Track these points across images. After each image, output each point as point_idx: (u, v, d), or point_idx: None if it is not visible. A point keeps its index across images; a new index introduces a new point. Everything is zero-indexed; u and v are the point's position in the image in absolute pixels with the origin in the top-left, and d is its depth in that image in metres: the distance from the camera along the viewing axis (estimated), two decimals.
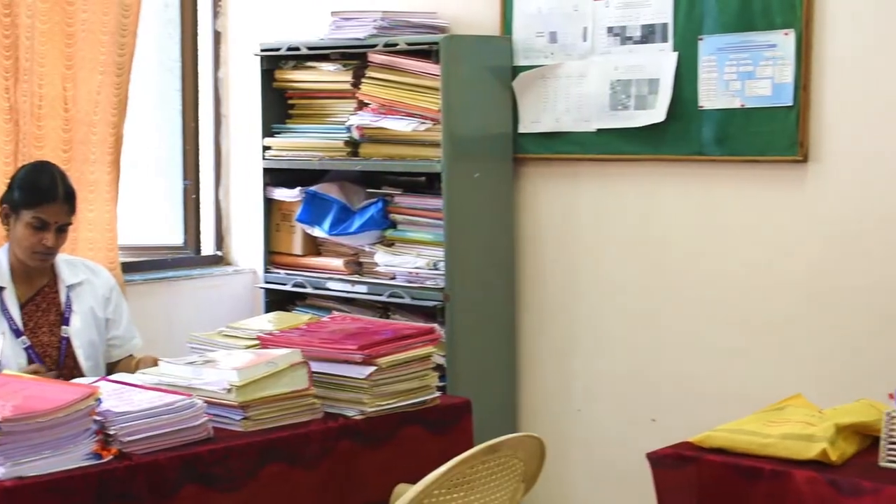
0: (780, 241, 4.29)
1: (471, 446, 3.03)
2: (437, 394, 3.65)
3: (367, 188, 5.03)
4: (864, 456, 3.02)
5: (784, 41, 4.19)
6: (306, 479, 3.29)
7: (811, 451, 2.95)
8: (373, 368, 3.41)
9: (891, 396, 3.00)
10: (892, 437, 2.95)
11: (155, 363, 3.69)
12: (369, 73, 4.83)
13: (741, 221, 4.38)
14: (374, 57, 4.81)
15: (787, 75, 4.19)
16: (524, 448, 3.10)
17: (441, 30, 4.91)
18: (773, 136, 4.24)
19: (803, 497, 2.89)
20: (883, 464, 2.95)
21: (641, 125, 4.52)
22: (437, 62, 4.62)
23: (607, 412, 4.75)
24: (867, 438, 3.08)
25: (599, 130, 4.64)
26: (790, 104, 4.18)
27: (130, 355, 4.17)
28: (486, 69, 4.77)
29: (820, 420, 3.10)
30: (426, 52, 4.70)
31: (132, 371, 3.74)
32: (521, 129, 4.83)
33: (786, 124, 4.20)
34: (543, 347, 4.90)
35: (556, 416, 4.87)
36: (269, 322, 3.96)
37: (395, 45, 4.74)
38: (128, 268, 5.19)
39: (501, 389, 4.90)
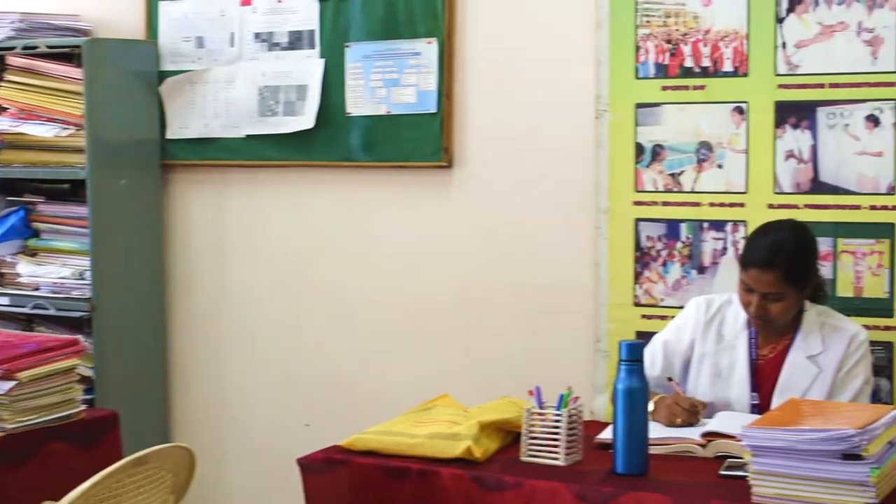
0: (428, 244, 4.39)
1: (119, 459, 2.96)
2: (83, 407, 3.56)
3: (7, 196, 4.85)
4: (507, 452, 3.13)
5: (427, 49, 4.29)
6: None
7: (456, 450, 3.03)
8: (13, 383, 3.31)
9: (531, 393, 3.11)
10: (532, 432, 3.06)
11: None
12: (7, 77, 4.67)
13: (390, 226, 4.45)
14: (13, 60, 4.66)
15: (431, 83, 4.29)
16: (173, 459, 3.04)
17: (84, 33, 4.78)
18: (419, 142, 4.33)
19: (450, 494, 2.97)
20: (524, 458, 3.06)
21: (291, 131, 4.53)
22: (79, 66, 4.52)
23: (262, 419, 4.74)
24: (510, 434, 3.19)
25: (249, 136, 4.63)
26: (434, 111, 4.29)
27: None
28: (132, 74, 4.68)
29: (465, 419, 3.19)
30: (68, 56, 4.59)
31: None
32: (170, 135, 4.76)
33: (430, 131, 4.30)
34: (196, 356, 4.84)
35: (210, 424, 4.83)
36: None
37: (35, 47, 4.60)
38: None
39: (153, 400, 4.82)
